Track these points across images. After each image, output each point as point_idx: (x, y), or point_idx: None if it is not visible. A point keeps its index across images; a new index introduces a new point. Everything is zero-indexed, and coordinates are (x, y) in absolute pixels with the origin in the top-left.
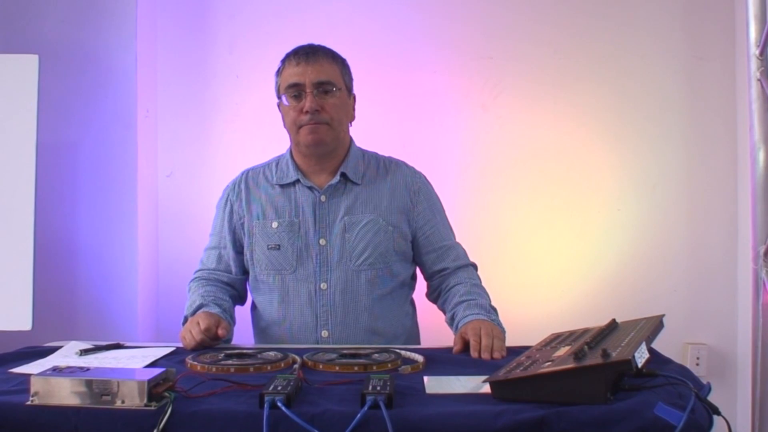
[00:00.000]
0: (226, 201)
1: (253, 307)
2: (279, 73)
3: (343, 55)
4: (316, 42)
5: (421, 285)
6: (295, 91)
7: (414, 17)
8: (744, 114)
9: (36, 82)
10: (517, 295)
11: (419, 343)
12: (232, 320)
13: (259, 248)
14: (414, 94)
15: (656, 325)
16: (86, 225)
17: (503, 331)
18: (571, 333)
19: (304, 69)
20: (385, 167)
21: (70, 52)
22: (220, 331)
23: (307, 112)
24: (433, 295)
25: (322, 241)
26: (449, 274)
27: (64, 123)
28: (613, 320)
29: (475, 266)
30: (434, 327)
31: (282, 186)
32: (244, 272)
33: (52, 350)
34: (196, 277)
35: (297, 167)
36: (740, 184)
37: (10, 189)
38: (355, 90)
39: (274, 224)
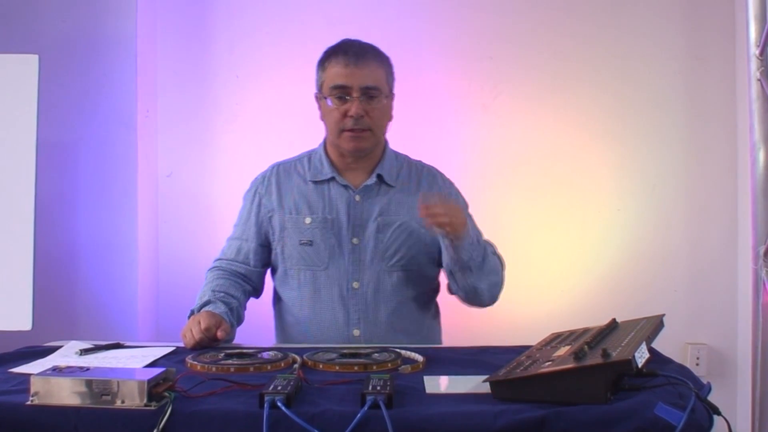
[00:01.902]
0: (255, 193)
1: (277, 302)
2: (323, 67)
3: None
4: (312, 41)
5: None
6: (341, 93)
7: (414, 18)
8: (744, 114)
9: (36, 82)
10: (517, 295)
11: (441, 344)
12: (237, 320)
13: (290, 243)
14: (414, 94)
15: (656, 324)
16: (86, 225)
17: (474, 248)
18: (571, 333)
19: (352, 71)
20: (418, 171)
21: (70, 52)
22: (219, 333)
23: (351, 116)
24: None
25: (355, 240)
26: None
27: (64, 123)
28: (613, 320)
29: (502, 259)
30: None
31: (315, 182)
32: (263, 265)
33: (52, 350)
34: (214, 267)
35: (331, 164)
36: (740, 184)
37: (10, 189)
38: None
39: (307, 220)
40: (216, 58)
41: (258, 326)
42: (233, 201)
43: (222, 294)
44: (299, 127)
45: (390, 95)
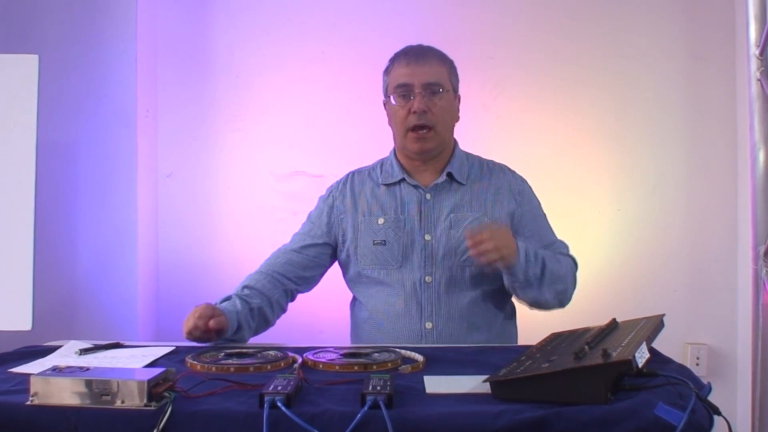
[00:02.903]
0: (329, 195)
1: (353, 302)
2: (387, 72)
3: (343, 55)
4: (312, 41)
5: None
6: (404, 90)
7: (414, 17)
8: (744, 114)
9: (36, 82)
10: None
11: (516, 343)
12: (261, 318)
13: (363, 243)
14: None
15: (657, 324)
16: (86, 225)
17: (524, 274)
18: (571, 333)
19: (413, 69)
20: (489, 169)
21: (70, 52)
22: (211, 323)
23: (415, 112)
24: None
25: (427, 237)
26: None
27: (64, 123)
28: (614, 320)
29: (574, 259)
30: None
31: (387, 185)
32: (322, 262)
33: (52, 350)
34: (272, 256)
35: (402, 167)
36: (740, 184)
37: (10, 189)
38: (355, 90)
39: (380, 221)
40: (216, 58)
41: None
42: (233, 201)
43: (248, 292)
44: (299, 127)
45: (455, 94)
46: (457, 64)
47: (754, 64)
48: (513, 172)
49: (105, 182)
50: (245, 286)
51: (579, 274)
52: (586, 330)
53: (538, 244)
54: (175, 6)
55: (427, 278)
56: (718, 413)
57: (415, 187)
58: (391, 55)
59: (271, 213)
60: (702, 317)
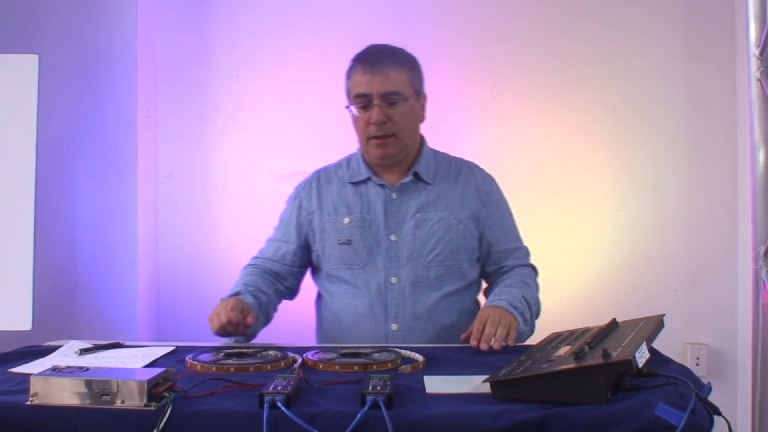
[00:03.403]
0: (297, 196)
1: (318, 300)
2: (348, 76)
3: (343, 55)
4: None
5: None
6: (363, 101)
7: (414, 17)
8: (744, 114)
9: (36, 82)
10: None
11: None
12: (265, 316)
13: (330, 243)
14: None
15: (657, 324)
16: (86, 225)
17: (526, 325)
18: (571, 333)
19: (371, 79)
20: (457, 168)
21: (70, 52)
22: (249, 319)
23: (374, 123)
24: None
25: (392, 237)
26: (506, 271)
27: (64, 123)
28: (614, 320)
29: (534, 268)
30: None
31: (353, 184)
32: (300, 266)
33: (52, 350)
34: (250, 264)
35: (368, 166)
36: (740, 184)
37: (10, 188)
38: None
39: (346, 220)
40: (216, 58)
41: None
42: (233, 201)
43: (253, 288)
44: (299, 127)
45: (417, 96)
46: (457, 64)
47: (754, 64)
48: (482, 171)
49: (105, 182)
50: (246, 284)
51: (578, 274)
52: (586, 330)
53: (501, 246)
54: (175, 6)
55: (392, 279)
56: (718, 413)
57: (382, 186)
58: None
59: (271, 213)
60: (702, 317)
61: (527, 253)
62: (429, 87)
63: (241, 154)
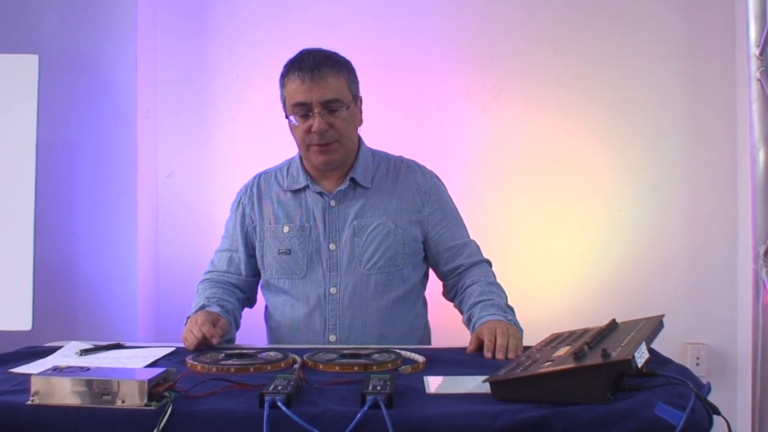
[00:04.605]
0: (239, 204)
1: (266, 308)
2: (283, 83)
3: (342, 55)
4: (312, 41)
5: (432, 283)
6: (302, 110)
7: (414, 17)
8: (744, 114)
9: (36, 82)
10: (517, 295)
11: (430, 344)
12: (234, 321)
13: (270, 252)
14: (414, 94)
15: (656, 325)
16: (86, 225)
17: (520, 331)
18: (571, 333)
19: (309, 87)
20: (396, 169)
21: (70, 52)
22: (222, 324)
23: (315, 132)
24: (450, 294)
25: (332, 246)
26: (464, 272)
27: (64, 123)
28: (613, 320)
29: (489, 262)
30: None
31: (293, 191)
32: (255, 274)
33: (52, 350)
34: (205, 279)
35: (306, 173)
36: (740, 184)
37: (10, 189)
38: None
39: (285, 229)
40: (216, 58)
41: (260, 327)
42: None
43: (216, 299)
44: None
45: (354, 101)
46: (457, 64)
47: (754, 64)
48: (422, 170)
49: (105, 182)
50: (208, 297)
51: (578, 274)
52: (586, 330)
53: (449, 243)
54: (174, 6)
55: (332, 289)
56: (718, 413)
57: (320, 194)
58: (392, 55)
59: None
60: (702, 317)
61: (478, 248)
62: (429, 87)
63: (240, 154)
